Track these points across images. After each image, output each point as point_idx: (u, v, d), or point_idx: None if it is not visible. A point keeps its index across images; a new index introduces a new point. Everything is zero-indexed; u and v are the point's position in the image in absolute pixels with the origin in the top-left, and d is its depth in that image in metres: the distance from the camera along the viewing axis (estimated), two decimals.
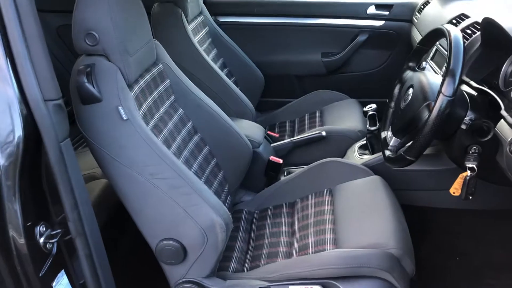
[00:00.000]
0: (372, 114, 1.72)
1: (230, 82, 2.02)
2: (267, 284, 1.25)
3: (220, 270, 1.36)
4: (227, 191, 1.58)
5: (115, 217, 1.24)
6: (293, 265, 1.28)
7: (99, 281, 1.11)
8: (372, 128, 1.73)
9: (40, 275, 1.00)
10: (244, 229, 1.55)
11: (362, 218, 1.40)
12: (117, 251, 1.46)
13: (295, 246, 1.40)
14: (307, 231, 1.44)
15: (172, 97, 1.49)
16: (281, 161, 1.72)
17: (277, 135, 2.00)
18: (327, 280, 1.21)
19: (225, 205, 1.53)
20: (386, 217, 1.37)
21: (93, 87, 1.13)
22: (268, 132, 1.98)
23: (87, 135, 1.14)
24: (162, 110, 1.40)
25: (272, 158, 1.72)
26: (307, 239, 1.40)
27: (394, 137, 1.45)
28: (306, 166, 1.68)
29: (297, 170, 1.75)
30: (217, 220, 1.19)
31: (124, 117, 1.14)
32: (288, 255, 1.38)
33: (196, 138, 1.52)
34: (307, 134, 1.88)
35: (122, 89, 1.17)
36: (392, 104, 1.57)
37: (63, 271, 1.07)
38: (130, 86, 1.24)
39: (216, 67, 1.99)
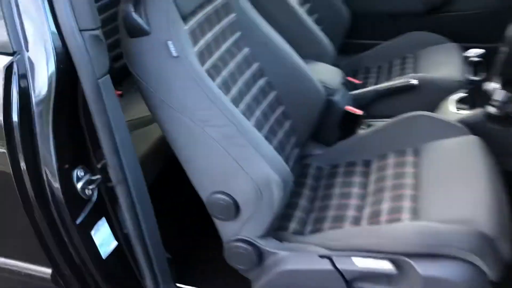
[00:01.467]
0: (477, 61, 1.42)
1: (308, 20, 1.78)
2: (328, 252, 1.09)
3: (278, 229, 1.23)
4: (294, 142, 1.41)
5: (173, 166, 1.13)
6: (360, 234, 1.11)
7: (142, 234, 1.03)
8: (475, 78, 1.44)
9: (77, 222, 0.93)
10: (310, 186, 1.39)
11: (451, 186, 1.18)
12: (171, 204, 1.37)
13: (366, 211, 1.22)
14: (382, 195, 1.25)
15: (237, 34, 1.32)
16: (359, 112, 1.50)
17: (359, 82, 1.75)
18: (398, 256, 1.02)
19: (290, 158, 1.38)
20: (481, 188, 1.13)
21: (141, 17, 0.99)
22: (349, 78, 1.74)
23: (134, 72, 1.02)
24: (223, 48, 1.24)
25: (349, 108, 1.50)
26: (380, 204, 1.21)
27: (501, 90, 1.18)
28: (389, 120, 1.46)
29: (378, 124, 1.53)
30: (273, 176, 1.04)
31: (174, 54, 1.00)
32: (357, 220, 1.20)
33: (261, 81, 1.35)
34: (395, 81, 1.62)
35: (174, 22, 1.02)
36: (505, 50, 1.27)
37: (103, 219, 1.00)
38: (185, 19, 1.09)
39: (293, 1, 1.76)
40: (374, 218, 1.18)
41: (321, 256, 1.09)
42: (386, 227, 1.10)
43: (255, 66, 1.35)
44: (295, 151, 1.43)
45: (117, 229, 1.03)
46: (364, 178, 1.37)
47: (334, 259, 1.08)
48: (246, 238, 1.14)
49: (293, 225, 1.24)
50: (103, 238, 0.99)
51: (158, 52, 1.00)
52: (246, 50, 1.33)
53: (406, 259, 1.02)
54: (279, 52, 1.37)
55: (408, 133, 1.40)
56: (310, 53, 1.65)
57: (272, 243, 1.15)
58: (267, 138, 1.27)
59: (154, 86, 1.02)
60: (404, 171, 1.30)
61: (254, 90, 1.32)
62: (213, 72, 1.16)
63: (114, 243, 1.02)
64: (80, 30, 0.85)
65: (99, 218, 0.98)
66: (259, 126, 1.26)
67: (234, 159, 1.04)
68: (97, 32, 0.87)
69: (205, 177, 1.09)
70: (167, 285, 1.13)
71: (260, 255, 1.14)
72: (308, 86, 1.41)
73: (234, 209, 1.08)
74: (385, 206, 1.20)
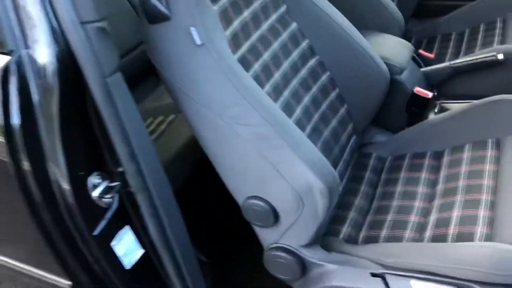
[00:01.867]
0: None
1: None
2: (382, 270, 0.93)
3: (328, 233, 1.08)
4: (351, 130, 1.24)
5: (204, 168, 1.02)
6: (422, 252, 0.93)
7: (169, 242, 0.93)
8: None
9: (94, 233, 0.85)
10: (368, 181, 1.22)
11: None
12: (207, 209, 1.25)
13: (432, 217, 1.03)
14: (453, 198, 1.05)
15: (283, 8, 1.14)
16: (430, 94, 1.27)
17: (432, 56, 1.49)
18: (466, 283, 0.84)
19: (346, 148, 1.21)
20: None
21: (160, 1, 0.86)
22: (421, 51, 1.49)
23: (155, 63, 0.90)
24: (264, 26, 1.07)
25: (418, 90, 1.28)
26: (450, 210, 1.02)
27: None
28: (467, 103, 1.22)
29: (454, 107, 1.30)
30: (316, 183, 0.89)
31: (198, 41, 0.86)
32: (421, 229, 1.02)
33: (312, 62, 1.18)
34: (476, 56, 1.35)
35: (197, 4, 0.87)
36: None
37: (127, 228, 0.91)
38: None
39: None
40: (441, 228, 0.99)
41: (374, 275, 0.93)
42: (455, 247, 0.91)
43: (304, 44, 1.17)
44: (352, 139, 1.25)
45: (143, 236, 0.94)
46: (433, 174, 1.17)
47: (388, 278, 0.92)
48: (288, 247, 1.01)
49: (345, 230, 1.09)
50: (127, 248, 0.91)
51: (180, 40, 0.87)
52: (293, 26, 1.16)
53: (476, 286, 0.84)
54: (333, 25, 1.18)
55: (490, 121, 1.17)
56: (373, 23, 1.42)
57: (318, 254, 1.01)
58: (316, 129, 1.11)
59: (176, 78, 0.89)
60: (482, 168, 1.09)
61: (303, 72, 1.15)
62: (250, 58, 1.00)
63: (140, 252, 0.94)
64: (82, 23, 0.73)
65: (121, 227, 0.90)
66: (307, 115, 1.10)
67: (270, 162, 0.89)
68: (102, 23, 0.75)
69: (239, 180, 0.96)
70: None
71: (303, 266, 1.01)
72: (368, 65, 1.21)
73: (273, 216, 0.95)
74: (456, 213, 1.00)
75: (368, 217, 1.12)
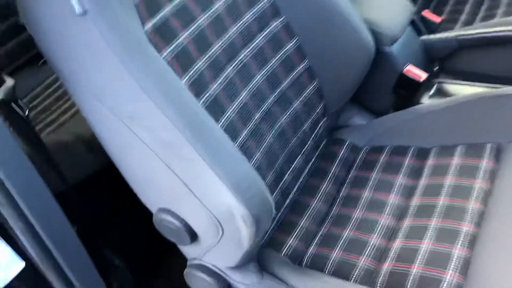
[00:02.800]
0: None
1: None
2: None
3: (269, 244, 0.89)
4: (320, 112, 0.99)
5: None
6: None
7: (51, 253, 0.74)
8: None
9: None
10: (333, 177, 0.99)
11: None
12: (118, 216, 1.03)
13: (397, 244, 0.82)
14: (427, 221, 0.83)
15: None
16: (423, 76, 1.00)
17: (438, 20, 1.17)
18: None
19: (313, 134, 0.98)
20: None
21: None
22: (425, 12, 1.17)
23: (29, 30, 0.66)
24: None
25: (409, 69, 1.01)
26: (420, 239, 0.81)
27: None
28: (470, 93, 0.96)
29: (456, 91, 1.04)
30: (238, 209, 0.67)
31: (78, 10, 0.60)
32: (380, 257, 0.82)
33: (273, 24, 0.91)
34: (491, 28, 1.05)
35: None
36: None
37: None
38: None
39: None
40: (403, 263, 0.78)
41: None
42: None
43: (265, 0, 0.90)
44: (320, 124, 1.01)
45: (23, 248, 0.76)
46: (411, 179, 0.94)
47: None
48: (211, 267, 0.82)
49: (291, 242, 0.89)
50: (2, 264, 0.74)
51: (57, 9, 0.61)
52: None
53: None
54: None
55: (494, 120, 0.92)
56: None
57: (247, 278, 0.82)
58: (267, 116, 0.88)
59: (61, 60, 0.65)
60: (471, 185, 0.86)
61: (260, 39, 0.88)
62: (174, 24, 0.74)
63: (20, 266, 0.76)
64: None
65: None
66: (257, 98, 0.86)
67: (179, 177, 0.67)
68: None
69: (147, 189, 0.75)
70: None
71: None
72: (347, 33, 0.94)
73: (188, 235, 0.75)
74: (425, 244, 0.79)
75: (322, 227, 0.92)
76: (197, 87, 0.75)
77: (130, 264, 0.94)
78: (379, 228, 0.87)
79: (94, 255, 0.82)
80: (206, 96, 0.76)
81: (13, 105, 0.88)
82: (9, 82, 0.88)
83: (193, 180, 0.67)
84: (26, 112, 0.93)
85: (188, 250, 0.83)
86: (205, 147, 0.66)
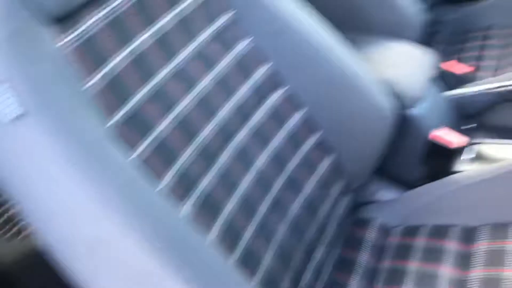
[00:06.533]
0: None
1: None
2: None
3: None
4: (343, 187, 0.83)
5: None
6: None
7: None
8: None
9: None
10: (361, 271, 0.82)
11: None
12: None
13: None
14: None
15: (229, 14, 0.73)
16: (455, 142, 0.84)
17: (466, 70, 1.00)
18: None
19: (332, 217, 0.82)
20: None
21: None
22: (449, 64, 0.99)
23: None
24: (188, 50, 0.67)
25: (435, 135, 0.84)
26: None
27: None
28: None
29: (499, 152, 0.87)
30: None
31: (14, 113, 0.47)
32: None
33: (276, 95, 0.77)
34: None
35: None
36: None
37: None
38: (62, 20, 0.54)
39: None
40: None
41: None
42: None
43: (263, 69, 0.76)
44: (342, 202, 0.85)
45: None
46: (459, 268, 0.76)
47: None
48: None
49: None
50: None
51: None
52: (245, 44, 0.75)
53: None
54: (309, 39, 0.76)
55: None
56: (381, 23, 0.98)
57: None
58: (279, 201, 0.72)
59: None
60: None
61: (260, 115, 0.74)
62: (150, 113, 0.61)
63: None
64: None
65: None
66: (263, 184, 0.71)
67: None
68: None
69: None
70: None
71: None
72: (359, 94, 0.79)
73: None
74: None
75: None
76: (185, 186, 0.61)
77: None
78: None
79: None
80: (196, 196, 0.61)
81: None
82: None
83: None
84: None
85: None
86: (194, 277, 0.50)
